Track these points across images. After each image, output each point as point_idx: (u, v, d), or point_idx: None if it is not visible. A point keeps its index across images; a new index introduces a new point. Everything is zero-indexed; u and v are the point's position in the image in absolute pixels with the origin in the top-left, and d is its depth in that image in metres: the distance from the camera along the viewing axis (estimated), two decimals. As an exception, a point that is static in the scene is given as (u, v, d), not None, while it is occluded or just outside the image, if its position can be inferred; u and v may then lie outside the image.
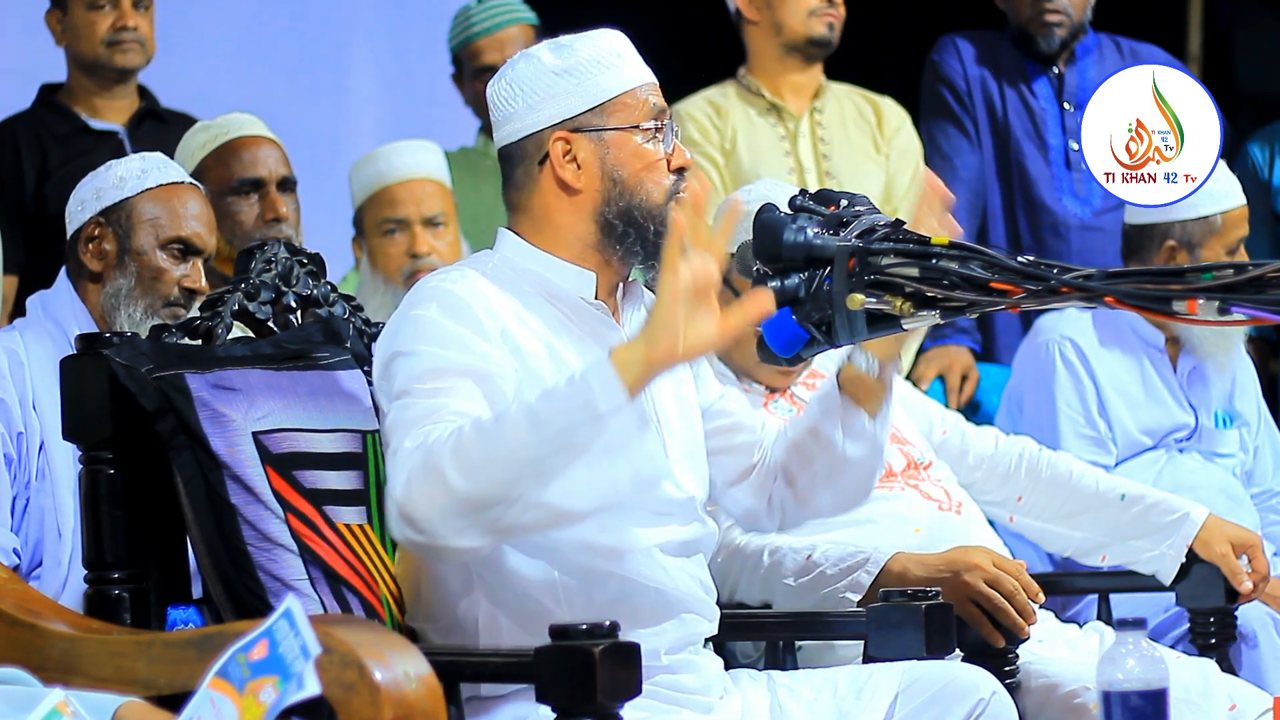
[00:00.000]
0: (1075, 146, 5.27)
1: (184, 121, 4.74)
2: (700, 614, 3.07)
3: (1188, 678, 3.47)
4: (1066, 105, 5.31)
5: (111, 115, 5.01)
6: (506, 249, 3.06)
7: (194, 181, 3.90)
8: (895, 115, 5.23)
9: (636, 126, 3.01)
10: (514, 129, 3.05)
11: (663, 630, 2.99)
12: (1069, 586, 4.14)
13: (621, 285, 3.09)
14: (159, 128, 4.96)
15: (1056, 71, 5.34)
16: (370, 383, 3.10)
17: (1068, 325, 4.58)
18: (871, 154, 5.17)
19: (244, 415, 3.00)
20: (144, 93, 5.08)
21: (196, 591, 3.09)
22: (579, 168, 3.01)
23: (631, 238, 3.01)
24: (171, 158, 3.99)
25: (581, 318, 3.03)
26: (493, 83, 3.08)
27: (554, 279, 3.03)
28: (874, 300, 2.79)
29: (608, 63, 3.03)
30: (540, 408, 2.71)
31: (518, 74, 3.04)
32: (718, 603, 3.32)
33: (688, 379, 3.18)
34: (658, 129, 3.03)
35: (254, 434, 3.00)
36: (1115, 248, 4.87)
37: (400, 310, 2.98)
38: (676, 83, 5.24)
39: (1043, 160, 5.30)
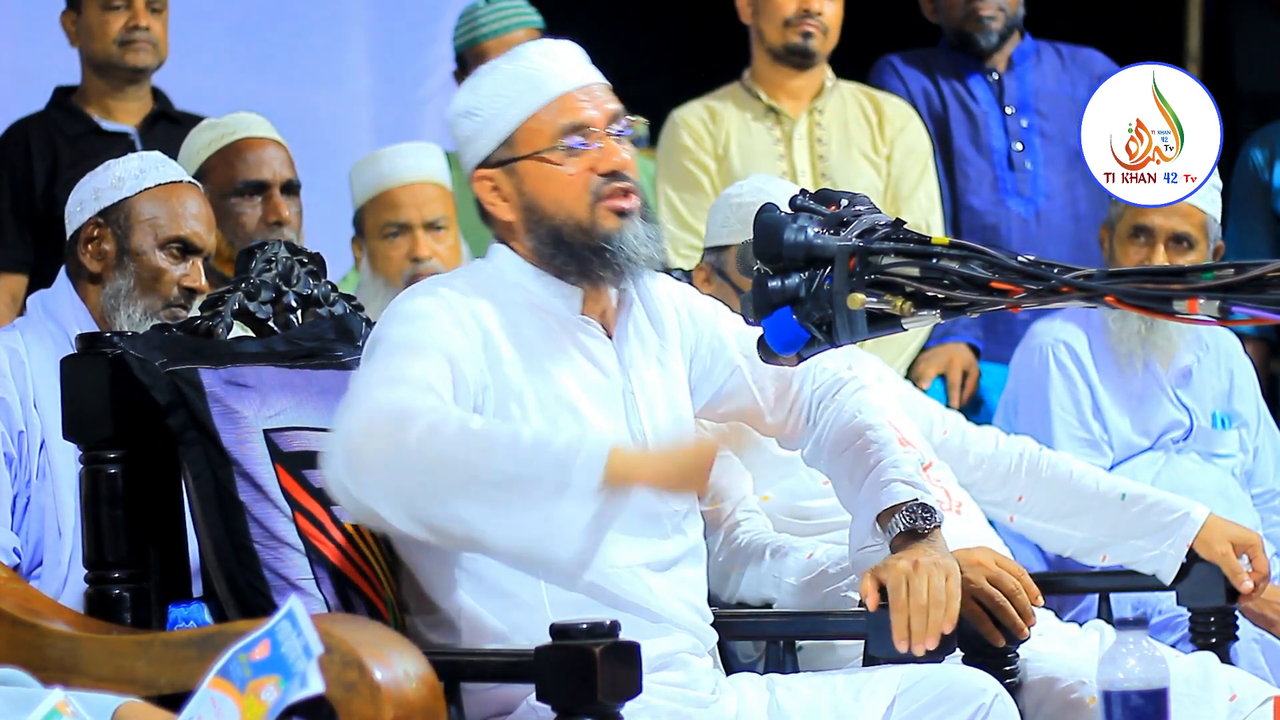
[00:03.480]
0: (1019, 148, 5.30)
1: (197, 123, 4.75)
2: (691, 632, 3.07)
3: (1188, 670, 3.47)
4: (1008, 109, 5.35)
5: (124, 117, 5.03)
6: (499, 260, 3.09)
7: (192, 180, 3.89)
8: (899, 115, 5.24)
9: (538, 153, 3.02)
10: (464, 170, 3.11)
11: (650, 645, 2.99)
12: (1069, 586, 4.14)
13: (617, 294, 3.10)
14: (172, 129, 4.96)
15: (995, 77, 5.38)
16: None
17: (1061, 329, 4.59)
18: (869, 154, 5.18)
19: (256, 412, 3.00)
20: (157, 95, 5.10)
21: (197, 591, 3.09)
22: (505, 200, 3.05)
23: (564, 257, 3.03)
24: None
25: (569, 330, 3.05)
26: None
27: (541, 293, 3.05)
28: (874, 300, 2.79)
29: (508, 93, 3.03)
30: (524, 447, 2.72)
31: (448, 117, 3.09)
32: (720, 603, 3.33)
33: (683, 387, 3.19)
34: (570, 146, 3.01)
35: (265, 431, 3.00)
36: (1058, 247, 4.92)
37: (383, 316, 3.01)
38: (681, 84, 5.26)
39: (985, 163, 5.33)
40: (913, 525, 3.11)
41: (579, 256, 3.02)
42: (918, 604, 3.01)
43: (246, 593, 2.93)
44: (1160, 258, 4.45)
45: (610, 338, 3.10)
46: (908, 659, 3.05)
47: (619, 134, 3.04)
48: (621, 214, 3.02)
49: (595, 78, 3.08)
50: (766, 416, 3.29)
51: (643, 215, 3.05)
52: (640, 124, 3.09)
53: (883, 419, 3.30)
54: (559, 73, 3.05)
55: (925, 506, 3.13)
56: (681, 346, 3.21)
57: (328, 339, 3.19)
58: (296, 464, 3.00)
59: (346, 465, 2.76)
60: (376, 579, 3.00)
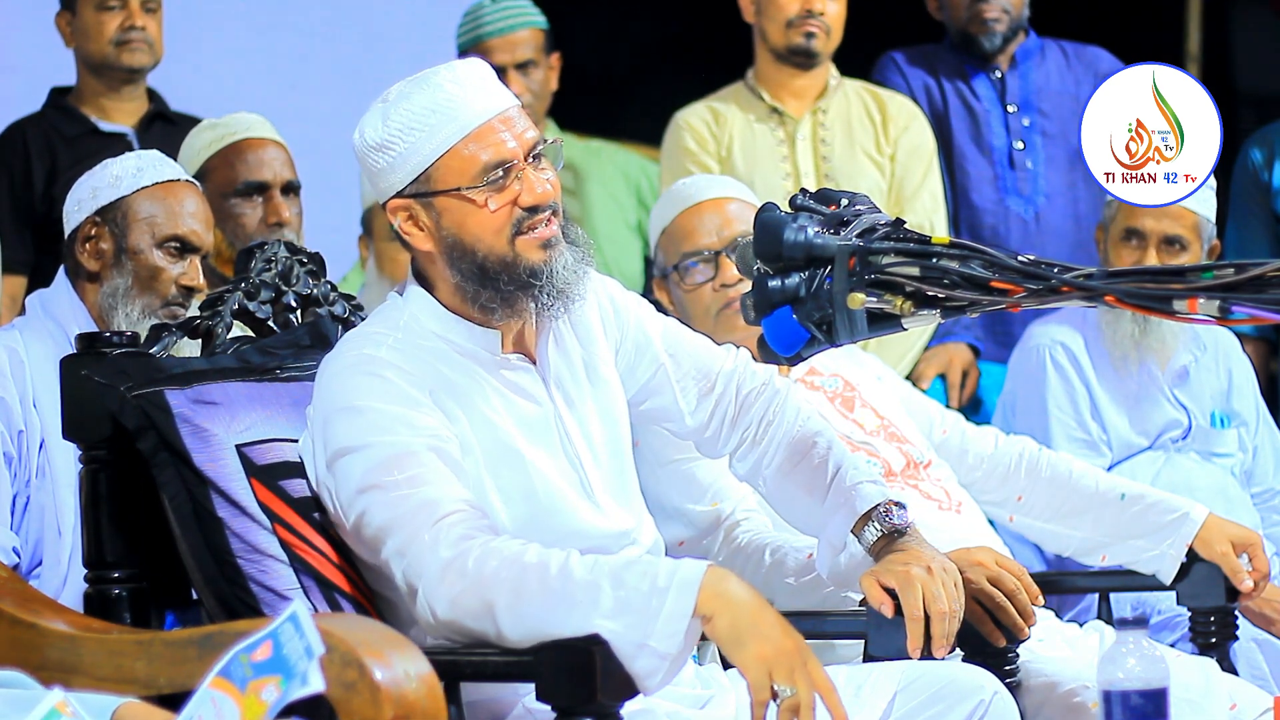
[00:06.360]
0: (1020, 146, 5.31)
1: (193, 124, 4.77)
2: None
3: (1188, 676, 3.47)
4: (1010, 108, 5.36)
5: (120, 117, 5.03)
6: (415, 306, 3.03)
7: (190, 179, 3.90)
8: (903, 113, 5.24)
9: (459, 190, 2.94)
10: (377, 198, 3.05)
11: None
12: (1069, 586, 4.14)
13: (535, 322, 3.05)
14: (168, 130, 4.97)
15: (998, 75, 5.38)
16: None
17: (1057, 330, 4.59)
18: (872, 153, 5.18)
19: (226, 429, 2.99)
20: (153, 95, 5.11)
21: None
22: (422, 230, 2.98)
23: (489, 292, 2.97)
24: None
25: (493, 370, 3.01)
26: None
27: (461, 340, 3.00)
28: (874, 299, 2.79)
29: (422, 127, 2.95)
30: (607, 597, 2.66)
31: (358, 148, 3.02)
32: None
33: (617, 392, 3.16)
34: (491, 183, 2.94)
35: (237, 447, 2.98)
36: (1058, 246, 4.92)
37: (324, 399, 2.94)
38: (683, 85, 5.27)
39: (985, 161, 5.34)
40: (894, 524, 3.11)
41: (504, 292, 2.96)
42: (938, 610, 3.01)
43: (237, 608, 2.91)
44: (1152, 260, 4.46)
45: (534, 363, 3.06)
46: (906, 657, 3.05)
47: (536, 158, 2.98)
48: (546, 244, 2.96)
49: (509, 101, 3.00)
50: (687, 418, 3.27)
51: (567, 239, 3.00)
52: (556, 144, 3.03)
53: (821, 421, 3.30)
54: (472, 101, 2.96)
55: (898, 504, 3.13)
56: (606, 338, 3.17)
57: (301, 346, 3.17)
58: (272, 476, 2.98)
59: (446, 632, 2.77)
60: (363, 581, 2.99)
